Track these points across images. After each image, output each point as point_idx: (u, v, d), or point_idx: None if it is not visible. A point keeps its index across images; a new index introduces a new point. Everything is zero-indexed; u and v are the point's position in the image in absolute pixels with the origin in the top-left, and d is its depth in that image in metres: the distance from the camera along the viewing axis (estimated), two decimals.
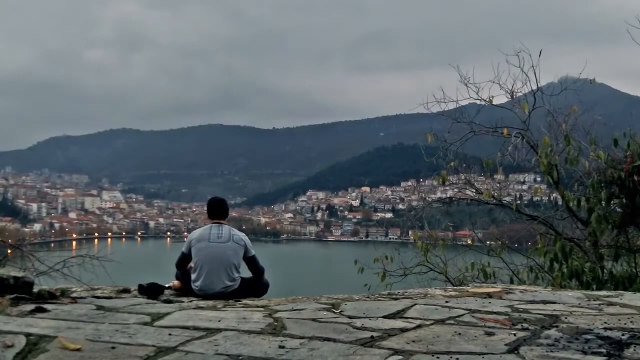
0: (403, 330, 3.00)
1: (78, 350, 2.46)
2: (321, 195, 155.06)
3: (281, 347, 2.60)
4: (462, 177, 9.26)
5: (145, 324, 3.14)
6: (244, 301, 4.49)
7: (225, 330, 2.96)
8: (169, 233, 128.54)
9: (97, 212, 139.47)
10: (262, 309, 3.74)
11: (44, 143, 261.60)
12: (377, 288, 7.30)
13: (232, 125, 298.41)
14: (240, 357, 2.43)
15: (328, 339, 2.76)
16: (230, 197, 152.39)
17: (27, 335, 2.68)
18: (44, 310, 3.39)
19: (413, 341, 2.74)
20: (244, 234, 5.72)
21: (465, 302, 3.91)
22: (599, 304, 3.90)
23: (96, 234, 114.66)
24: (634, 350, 2.59)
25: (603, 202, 6.87)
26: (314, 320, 3.29)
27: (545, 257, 7.30)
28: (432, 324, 3.16)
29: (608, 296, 4.30)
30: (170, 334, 2.83)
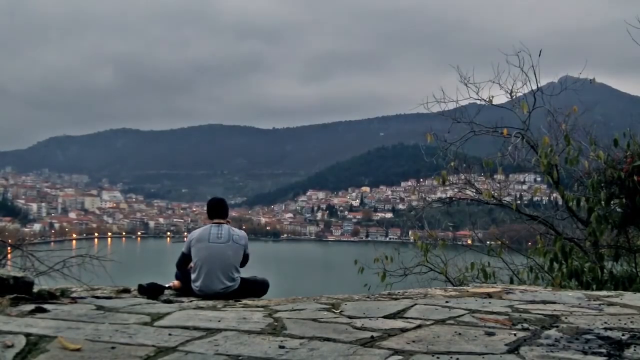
0: (403, 330, 2.99)
1: (78, 350, 2.46)
2: (321, 195, 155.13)
3: (281, 347, 2.59)
4: (462, 177, 9.25)
5: (145, 324, 3.13)
6: (244, 301, 4.49)
7: (225, 330, 2.96)
8: (169, 233, 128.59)
9: (97, 212, 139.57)
10: (262, 309, 3.74)
11: (44, 143, 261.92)
12: (377, 288, 7.29)
13: (232, 125, 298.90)
14: (240, 357, 2.43)
15: (328, 339, 2.76)
16: (230, 197, 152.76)
17: (27, 335, 2.68)
18: (44, 310, 3.39)
19: (413, 341, 2.73)
20: (244, 233, 5.72)
21: (465, 302, 3.91)
22: (599, 304, 3.89)
23: (96, 234, 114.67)
24: (634, 350, 2.59)
25: (603, 202, 6.86)
26: (314, 320, 3.28)
27: (545, 257, 7.30)
28: (432, 324, 3.15)
29: (608, 296, 4.30)
30: (170, 334, 2.83)
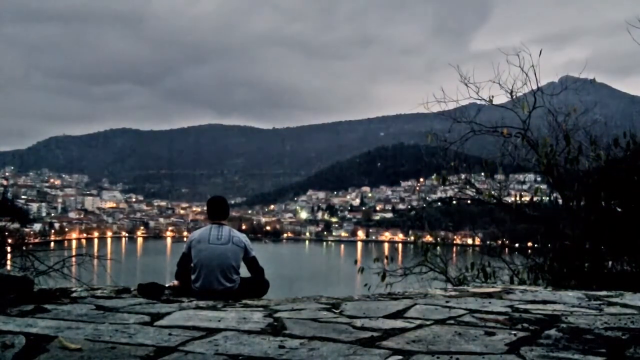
0: (403, 330, 2.99)
1: (78, 350, 2.46)
2: (321, 195, 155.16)
3: (281, 347, 2.59)
4: (462, 177, 9.24)
5: (145, 324, 3.13)
6: (244, 301, 4.49)
7: (225, 330, 2.96)
8: (169, 233, 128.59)
9: (97, 212, 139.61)
10: (262, 309, 3.74)
11: (44, 143, 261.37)
12: (377, 288, 7.30)
13: (232, 125, 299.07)
14: (240, 357, 2.43)
15: (328, 339, 2.76)
16: (230, 197, 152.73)
17: (27, 335, 2.67)
18: (44, 310, 3.39)
19: (413, 341, 2.73)
20: (244, 235, 5.71)
21: (466, 302, 3.91)
22: (599, 304, 3.89)
23: (96, 234, 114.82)
24: (635, 350, 2.59)
25: (603, 202, 6.87)
26: (314, 320, 3.28)
27: (545, 257, 7.30)
28: (432, 324, 3.15)
29: (608, 296, 4.30)
30: (170, 334, 2.83)
